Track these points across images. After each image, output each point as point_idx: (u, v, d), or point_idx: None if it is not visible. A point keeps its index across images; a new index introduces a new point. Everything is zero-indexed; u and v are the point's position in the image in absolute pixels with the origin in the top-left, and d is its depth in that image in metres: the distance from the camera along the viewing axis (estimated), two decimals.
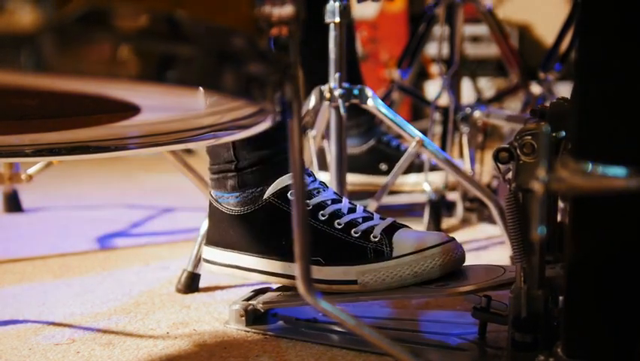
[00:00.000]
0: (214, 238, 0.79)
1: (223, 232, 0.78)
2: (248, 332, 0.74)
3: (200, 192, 1.05)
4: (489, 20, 1.63)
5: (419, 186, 1.34)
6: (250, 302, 0.75)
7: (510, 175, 0.56)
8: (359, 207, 0.76)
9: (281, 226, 0.74)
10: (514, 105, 2.28)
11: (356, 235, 0.72)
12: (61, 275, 1.03)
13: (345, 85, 0.97)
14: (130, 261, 1.11)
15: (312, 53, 1.01)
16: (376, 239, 0.71)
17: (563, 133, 0.57)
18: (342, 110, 0.96)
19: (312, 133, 1.07)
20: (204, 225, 0.93)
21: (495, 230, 1.20)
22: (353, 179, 1.36)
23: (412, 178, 1.36)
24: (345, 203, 0.76)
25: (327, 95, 0.97)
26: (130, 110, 0.52)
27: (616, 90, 0.45)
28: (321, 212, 0.74)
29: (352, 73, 1.05)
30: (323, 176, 1.13)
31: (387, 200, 1.39)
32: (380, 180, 1.35)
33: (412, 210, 1.45)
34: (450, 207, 1.42)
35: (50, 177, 1.76)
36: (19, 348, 0.71)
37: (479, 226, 1.33)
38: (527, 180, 0.53)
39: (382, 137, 1.42)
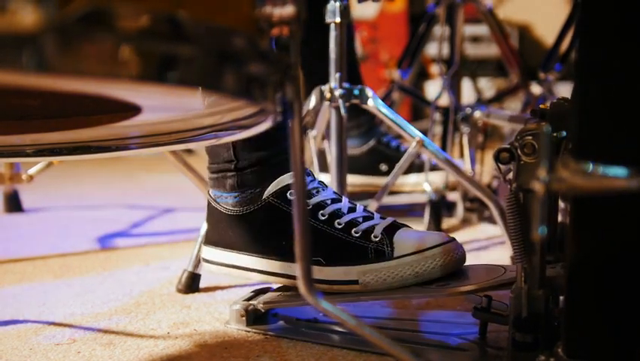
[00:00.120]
0: (213, 238, 0.79)
1: (222, 231, 0.78)
2: (248, 332, 0.74)
3: (201, 192, 1.05)
4: (489, 20, 1.63)
5: (419, 186, 1.34)
6: (251, 302, 0.75)
7: (511, 175, 0.56)
8: (359, 207, 0.76)
9: (280, 225, 0.74)
10: (514, 105, 2.28)
11: (356, 235, 0.72)
12: (62, 275, 1.03)
13: (346, 85, 0.97)
14: (130, 261, 1.11)
15: (312, 54, 1.02)
16: (377, 239, 0.71)
17: (564, 133, 0.57)
18: (342, 111, 0.96)
19: (312, 133, 1.07)
20: (205, 225, 0.93)
21: (495, 230, 1.20)
22: (353, 180, 1.36)
23: (413, 178, 1.36)
24: (345, 202, 0.76)
25: (328, 95, 0.97)
26: (131, 110, 0.52)
27: (616, 90, 0.45)
28: (321, 212, 0.74)
29: (351, 73, 1.05)
30: (323, 178, 1.13)
31: (388, 200, 1.39)
32: (380, 180, 1.35)
33: (413, 210, 1.45)
34: (450, 207, 1.42)
35: (51, 177, 1.76)
36: (20, 348, 0.71)
37: (480, 226, 1.33)
38: (528, 181, 0.53)
39: (382, 137, 1.42)
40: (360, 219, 0.73)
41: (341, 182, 0.97)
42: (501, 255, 1.03)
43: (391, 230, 0.72)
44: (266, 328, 0.74)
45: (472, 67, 3.14)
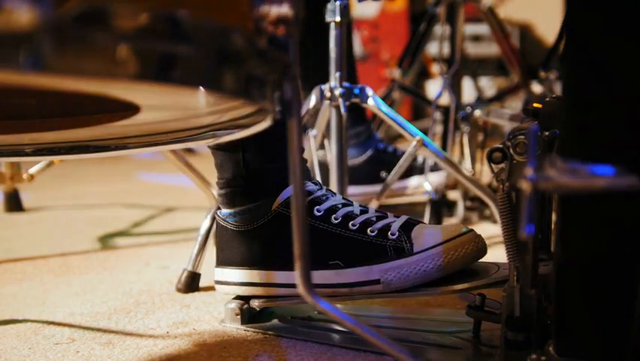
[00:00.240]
0: (225, 258, 0.77)
1: (235, 250, 0.75)
2: (247, 331, 0.74)
3: (201, 192, 1.05)
4: (490, 19, 1.63)
5: (421, 188, 1.34)
6: (245, 301, 0.75)
7: (503, 175, 0.56)
8: (371, 208, 0.75)
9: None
10: (515, 104, 2.28)
11: (373, 234, 0.71)
12: (62, 275, 1.03)
13: (346, 84, 0.97)
14: (130, 260, 1.11)
15: (311, 65, 1.02)
16: (394, 236, 0.71)
17: (558, 132, 0.57)
18: (342, 110, 0.96)
19: (312, 133, 1.07)
20: (204, 224, 0.94)
21: (496, 229, 1.20)
22: (355, 190, 1.35)
23: (414, 181, 1.36)
24: (356, 205, 0.75)
25: (328, 94, 0.97)
26: (130, 109, 0.52)
27: (603, 89, 0.45)
28: (334, 215, 0.73)
29: (349, 73, 1.05)
30: None
31: (388, 200, 1.39)
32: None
33: (413, 210, 1.45)
34: (451, 206, 1.42)
35: (51, 176, 1.77)
36: (19, 348, 0.71)
37: (480, 225, 1.33)
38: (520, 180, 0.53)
39: (379, 145, 1.42)
40: (374, 219, 0.73)
41: (342, 181, 0.97)
42: (502, 254, 1.03)
43: (408, 227, 0.72)
44: (263, 326, 0.74)
45: (473, 66, 3.14)
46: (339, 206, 0.74)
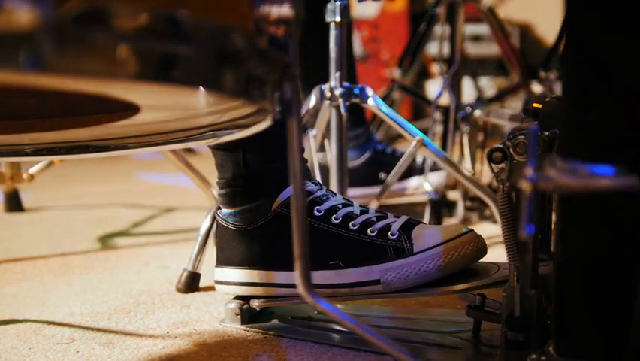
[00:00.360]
0: (225, 258, 0.77)
1: (235, 250, 0.75)
2: (247, 331, 0.74)
3: (201, 192, 1.05)
4: (490, 19, 1.63)
5: (421, 189, 1.34)
6: (245, 301, 0.75)
7: (503, 175, 0.56)
8: (371, 209, 0.75)
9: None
10: (515, 104, 2.28)
11: (373, 235, 0.71)
12: (62, 275, 1.03)
13: (346, 84, 0.97)
14: (130, 260, 1.11)
15: (311, 66, 1.02)
16: (394, 237, 0.71)
17: (558, 132, 0.57)
18: (342, 110, 0.96)
19: (312, 133, 1.07)
20: (204, 224, 0.94)
21: (496, 229, 1.20)
22: (354, 192, 1.35)
23: (414, 182, 1.36)
24: (356, 205, 0.75)
25: (328, 94, 0.97)
26: (130, 109, 0.52)
27: (603, 89, 0.45)
28: (334, 216, 0.73)
29: (348, 73, 1.05)
30: None
31: (388, 200, 1.39)
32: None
33: (413, 210, 1.45)
34: (451, 206, 1.42)
35: (51, 176, 1.77)
36: (19, 347, 0.71)
37: (480, 225, 1.33)
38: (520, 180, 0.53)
39: (377, 146, 1.42)
40: (374, 219, 0.73)
41: (342, 182, 0.97)
42: (502, 254, 1.03)
43: (408, 227, 0.72)
44: (263, 326, 0.74)
45: (473, 66, 3.14)
46: (340, 206, 0.74)
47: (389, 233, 0.71)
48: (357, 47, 3.51)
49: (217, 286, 0.78)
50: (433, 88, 3.21)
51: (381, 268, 0.69)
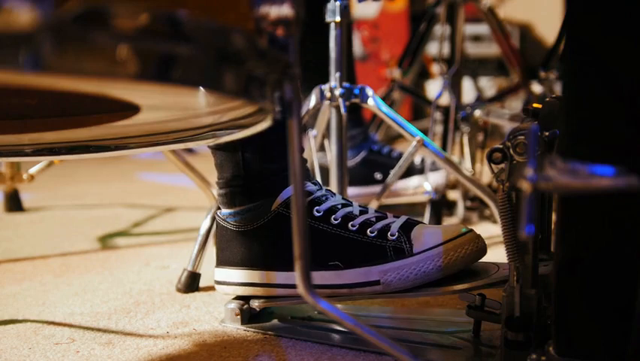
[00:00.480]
0: (225, 258, 0.76)
1: (235, 250, 0.75)
2: (247, 331, 0.74)
3: (201, 192, 1.05)
4: (490, 19, 1.63)
5: (421, 189, 1.34)
6: (245, 301, 0.75)
7: (503, 175, 0.56)
8: (370, 209, 0.75)
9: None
10: (515, 104, 2.28)
11: (372, 235, 0.71)
12: (62, 275, 1.03)
13: (346, 84, 0.97)
14: (130, 260, 1.11)
15: (311, 65, 1.02)
16: (394, 237, 0.70)
17: (558, 132, 0.57)
18: (342, 110, 0.96)
19: (312, 133, 1.07)
20: (204, 224, 0.93)
21: (496, 229, 1.20)
22: (350, 192, 1.35)
23: (414, 182, 1.36)
24: (355, 206, 0.75)
25: (328, 94, 0.97)
26: (130, 109, 0.52)
27: (603, 89, 0.45)
28: (333, 216, 0.73)
29: (348, 73, 1.05)
30: None
31: (388, 200, 1.39)
32: (377, 189, 1.35)
33: (413, 210, 1.45)
34: (451, 206, 1.42)
35: (51, 176, 1.77)
36: (19, 347, 0.71)
37: (480, 225, 1.33)
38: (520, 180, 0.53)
39: (373, 146, 1.42)
40: (374, 220, 0.73)
41: (342, 181, 0.97)
42: (502, 254, 1.03)
43: (407, 227, 0.71)
44: (263, 326, 0.74)
45: (473, 66, 3.14)
46: (339, 206, 0.74)
47: (389, 234, 0.71)
48: (357, 47, 3.51)
49: (217, 287, 0.78)
50: (433, 88, 3.21)
51: (381, 268, 0.69)
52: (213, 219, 0.92)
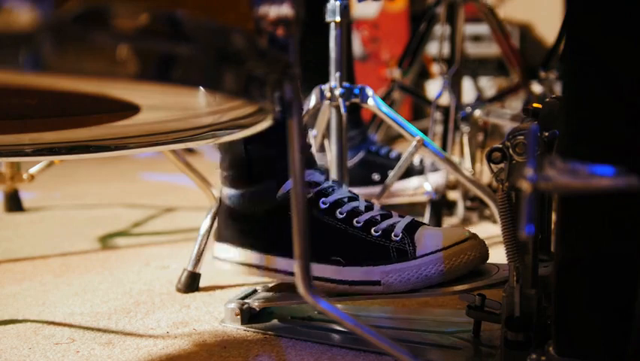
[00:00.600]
0: (226, 235, 0.76)
1: (237, 228, 0.75)
2: (247, 331, 0.74)
3: (201, 192, 1.05)
4: (490, 19, 1.62)
5: (421, 189, 1.33)
6: (245, 301, 0.75)
7: (503, 175, 0.56)
8: (375, 206, 0.75)
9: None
10: (515, 104, 2.28)
11: (377, 234, 0.70)
12: (62, 275, 1.03)
13: (346, 84, 0.97)
14: (130, 260, 1.11)
15: (311, 64, 1.01)
16: (398, 238, 0.70)
17: (558, 132, 0.57)
18: (342, 110, 0.96)
19: (312, 133, 1.07)
20: (205, 224, 0.93)
21: (496, 229, 1.20)
22: None
23: (414, 182, 1.36)
24: (361, 200, 0.74)
25: (328, 94, 0.97)
26: (130, 109, 0.52)
27: (603, 89, 0.45)
28: (339, 210, 0.72)
29: (347, 73, 1.05)
30: None
31: (388, 200, 1.39)
32: (375, 190, 1.34)
33: (413, 210, 1.45)
34: (451, 206, 1.42)
35: (51, 176, 1.77)
36: (19, 347, 0.71)
37: (480, 225, 1.33)
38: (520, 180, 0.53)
39: (371, 147, 1.42)
40: (379, 218, 0.72)
41: (341, 181, 0.97)
42: (502, 254, 1.03)
43: (412, 228, 0.71)
44: (262, 326, 0.74)
45: (473, 66, 3.14)
46: (345, 200, 0.74)
47: (392, 234, 0.70)
48: (357, 47, 3.51)
49: (216, 263, 0.77)
50: (433, 88, 3.21)
51: (383, 269, 0.69)
52: (213, 219, 0.92)
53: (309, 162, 0.77)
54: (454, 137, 1.42)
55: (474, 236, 0.70)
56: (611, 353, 0.47)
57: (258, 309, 0.75)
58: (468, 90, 2.30)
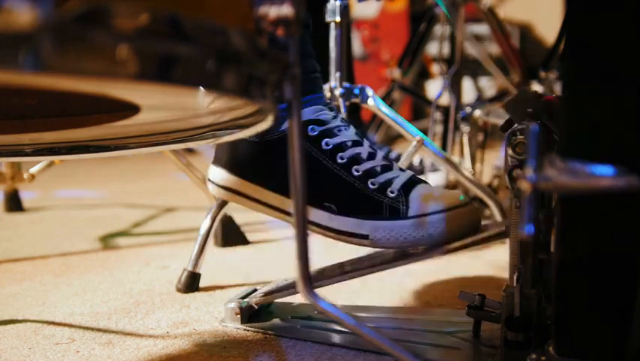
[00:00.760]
0: (223, 160, 0.75)
1: (233, 154, 0.74)
2: (247, 331, 0.74)
3: (201, 192, 1.05)
4: (490, 19, 1.63)
5: None
6: (245, 300, 0.75)
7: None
8: (379, 153, 0.73)
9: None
10: None
11: (373, 187, 0.70)
12: (62, 275, 1.03)
13: (346, 84, 0.97)
14: (130, 260, 1.11)
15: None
16: (393, 195, 0.69)
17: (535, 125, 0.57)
18: (342, 110, 0.96)
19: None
20: (205, 224, 0.93)
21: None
22: None
23: None
24: (365, 146, 0.73)
25: (328, 94, 0.97)
26: (130, 109, 0.52)
27: (603, 89, 0.45)
28: (340, 154, 0.71)
29: (347, 73, 1.05)
30: None
31: None
32: None
33: None
34: None
35: (51, 176, 1.77)
36: (19, 347, 0.71)
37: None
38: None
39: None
40: (379, 169, 0.71)
41: None
42: (502, 254, 1.03)
43: (409, 186, 0.70)
44: (263, 326, 0.74)
45: (473, 66, 3.14)
46: (349, 144, 0.72)
47: (389, 190, 0.70)
48: (357, 47, 3.52)
49: (209, 185, 0.77)
50: (433, 88, 3.21)
51: (373, 224, 0.68)
52: (213, 219, 0.92)
53: (315, 84, 0.75)
54: (454, 137, 1.42)
55: (468, 203, 0.69)
56: (611, 353, 0.47)
57: (256, 307, 0.75)
58: (468, 90, 2.30)
